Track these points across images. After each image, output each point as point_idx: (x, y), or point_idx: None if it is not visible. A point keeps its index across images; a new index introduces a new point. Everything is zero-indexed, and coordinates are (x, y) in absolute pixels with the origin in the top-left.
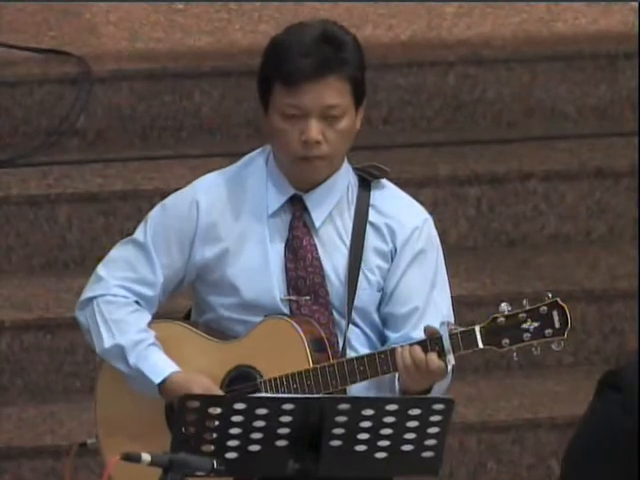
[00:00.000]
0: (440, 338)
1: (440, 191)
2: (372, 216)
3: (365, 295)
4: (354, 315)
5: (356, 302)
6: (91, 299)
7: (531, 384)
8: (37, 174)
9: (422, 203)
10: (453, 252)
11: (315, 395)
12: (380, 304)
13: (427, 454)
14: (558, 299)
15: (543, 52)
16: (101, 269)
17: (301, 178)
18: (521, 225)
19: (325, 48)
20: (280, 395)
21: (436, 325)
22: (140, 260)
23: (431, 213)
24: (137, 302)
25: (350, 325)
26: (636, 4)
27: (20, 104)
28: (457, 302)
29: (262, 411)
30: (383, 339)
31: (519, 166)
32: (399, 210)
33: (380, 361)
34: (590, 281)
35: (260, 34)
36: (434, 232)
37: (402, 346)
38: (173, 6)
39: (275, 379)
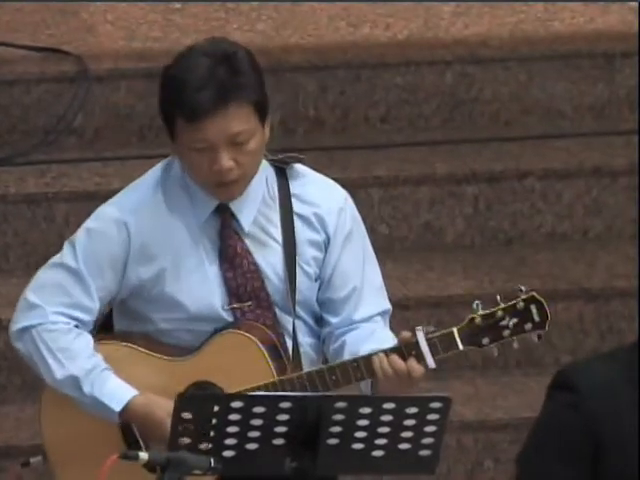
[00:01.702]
0: (416, 343)
1: (438, 189)
2: (297, 207)
3: (305, 288)
4: (297, 309)
5: (298, 296)
6: (28, 328)
7: (529, 382)
8: (35, 172)
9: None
10: (451, 250)
11: (313, 393)
12: (318, 291)
13: (424, 452)
14: (534, 293)
15: (540, 51)
16: (32, 296)
17: (220, 199)
18: (518, 223)
19: (220, 75)
20: (278, 393)
21: (375, 306)
22: (74, 285)
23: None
24: (76, 326)
25: (296, 320)
26: (636, 4)
27: (18, 102)
28: (455, 301)
29: (259, 409)
30: (320, 322)
31: (516, 165)
32: (321, 195)
33: (354, 370)
34: (588, 280)
35: (258, 33)
36: (354, 207)
37: (379, 355)
38: (170, 5)
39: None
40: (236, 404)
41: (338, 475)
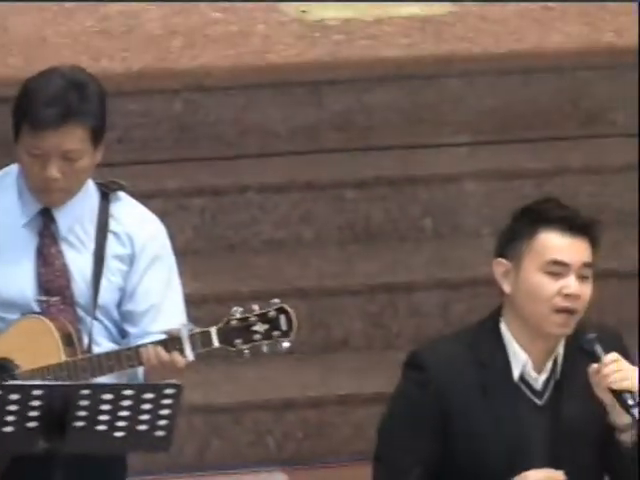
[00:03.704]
0: (180, 338)
1: (168, 202)
2: (112, 225)
3: (107, 295)
4: (97, 312)
5: (99, 301)
6: None
7: (248, 371)
8: None
9: (152, 213)
10: (180, 256)
11: (59, 382)
12: (120, 302)
13: (159, 433)
14: (285, 305)
15: (257, 80)
16: None
17: (43, 203)
18: (240, 232)
19: (69, 98)
20: (29, 382)
21: (171, 322)
22: None
23: (161, 222)
24: None
25: (94, 321)
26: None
27: None
28: (185, 300)
29: (14, 397)
30: (123, 332)
31: (237, 180)
32: (136, 220)
33: (127, 358)
34: (300, 280)
35: (10, 68)
36: (167, 241)
37: (147, 347)
38: None
39: (32, 370)
40: None
41: (86, 453)
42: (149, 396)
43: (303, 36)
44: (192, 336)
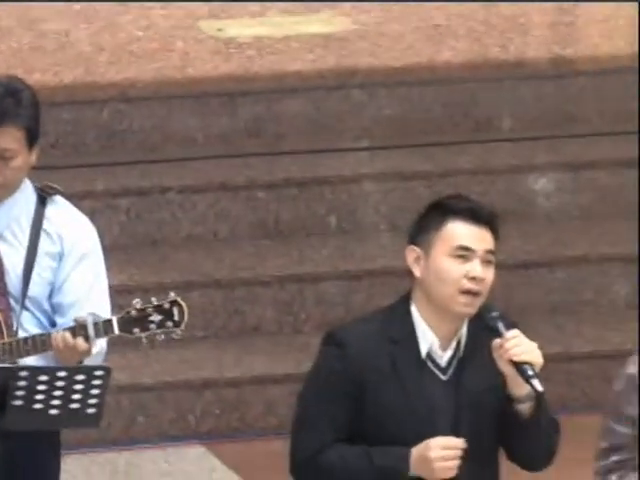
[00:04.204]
0: (86, 326)
1: (97, 202)
2: (46, 225)
3: (37, 288)
4: (28, 303)
5: (29, 293)
6: None
7: (170, 354)
8: None
9: (83, 211)
10: (108, 251)
11: (1, 365)
12: (51, 295)
13: (90, 410)
14: (178, 299)
15: (177, 91)
16: None
17: None
18: (162, 229)
19: (6, 102)
20: None
21: (85, 315)
22: None
23: (90, 220)
24: None
25: (24, 311)
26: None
27: None
28: (113, 291)
29: None
30: (53, 322)
31: (159, 182)
32: (67, 221)
33: (40, 343)
34: (217, 272)
35: None
36: (96, 240)
37: (57, 332)
38: None
39: None
40: None
41: (24, 429)
42: (81, 377)
43: (218, 52)
44: (96, 324)
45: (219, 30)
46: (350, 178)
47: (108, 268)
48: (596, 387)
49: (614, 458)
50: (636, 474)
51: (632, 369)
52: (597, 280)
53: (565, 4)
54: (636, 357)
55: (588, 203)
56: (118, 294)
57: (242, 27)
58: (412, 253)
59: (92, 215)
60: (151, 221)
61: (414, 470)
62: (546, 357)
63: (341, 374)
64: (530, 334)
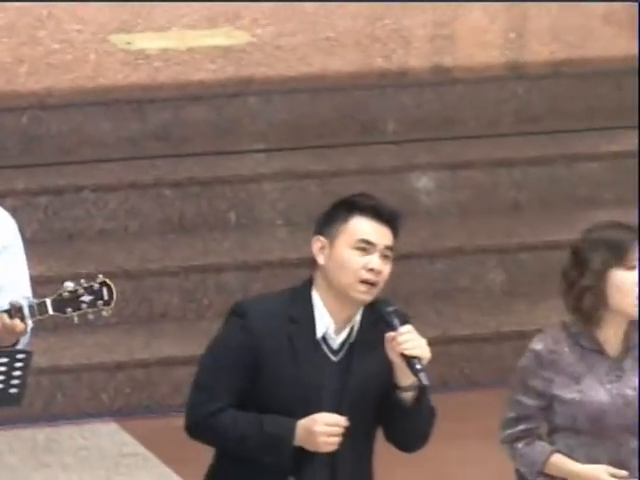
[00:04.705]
0: (22, 308)
1: (17, 200)
2: None
3: None
4: None
5: None
6: None
7: (86, 339)
8: None
9: (5, 209)
10: (28, 245)
11: None
12: None
13: (13, 390)
14: (107, 280)
15: (90, 99)
16: None
17: None
18: (77, 224)
19: None
20: None
21: (19, 298)
22: None
23: (12, 217)
24: None
25: None
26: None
27: None
28: (33, 281)
29: None
30: None
31: (75, 181)
32: None
33: None
34: (127, 263)
35: None
36: (17, 233)
37: None
38: None
39: None
40: None
41: None
42: (4, 360)
43: (128, 63)
44: (31, 306)
45: (128, 43)
46: (248, 178)
47: (28, 260)
48: (474, 367)
49: (521, 427)
50: (541, 442)
51: (538, 345)
52: (473, 270)
53: (443, 17)
54: (542, 335)
55: (465, 200)
56: (38, 284)
57: (149, 40)
58: (317, 242)
59: (13, 212)
60: (67, 217)
61: (299, 441)
62: (428, 340)
63: (241, 343)
64: (414, 319)
